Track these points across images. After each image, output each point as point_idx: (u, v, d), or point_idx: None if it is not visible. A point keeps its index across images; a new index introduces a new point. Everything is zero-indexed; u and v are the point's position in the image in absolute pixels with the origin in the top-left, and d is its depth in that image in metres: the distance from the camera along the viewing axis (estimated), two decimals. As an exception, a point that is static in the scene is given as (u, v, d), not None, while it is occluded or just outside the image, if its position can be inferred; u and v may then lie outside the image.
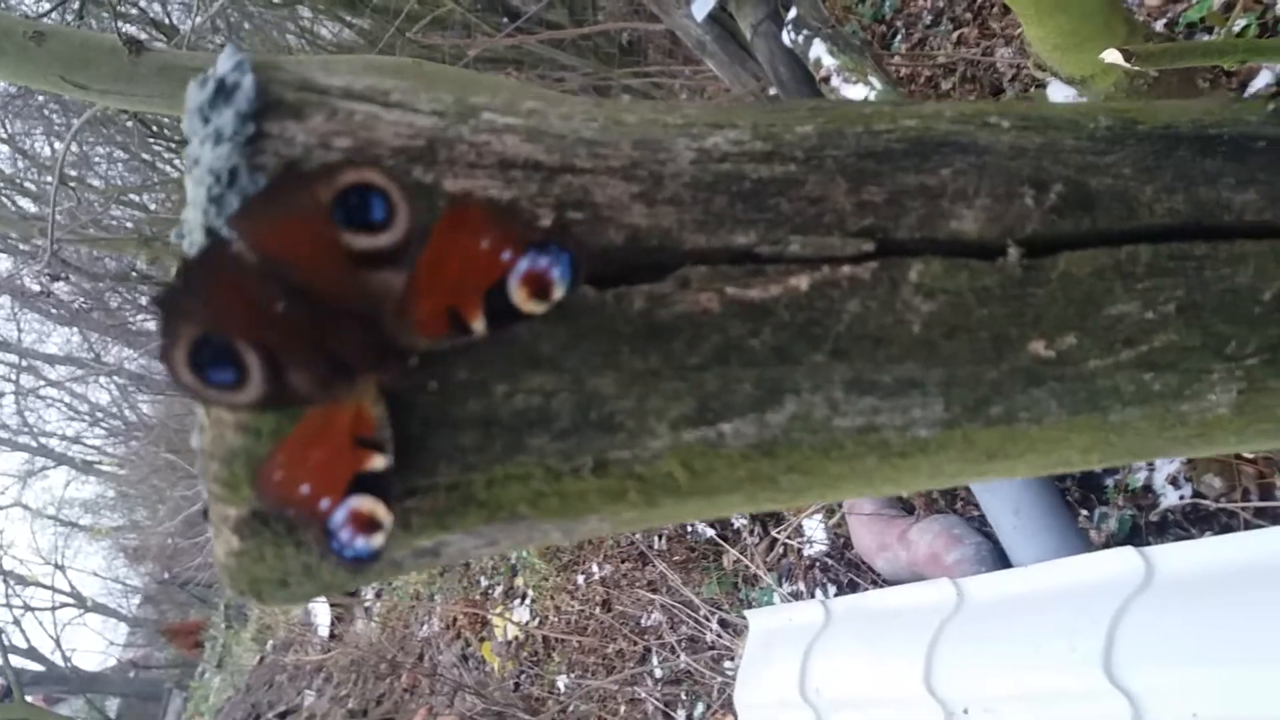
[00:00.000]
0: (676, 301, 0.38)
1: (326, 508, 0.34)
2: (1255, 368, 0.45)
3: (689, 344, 0.37)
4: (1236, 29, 2.15)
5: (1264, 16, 2.19)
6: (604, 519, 0.39)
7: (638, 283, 0.38)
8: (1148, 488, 2.11)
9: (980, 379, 0.41)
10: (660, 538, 5.69)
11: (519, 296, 0.33)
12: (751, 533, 4.73)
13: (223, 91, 0.35)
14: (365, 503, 0.34)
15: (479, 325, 0.34)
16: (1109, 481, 2.58)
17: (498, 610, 6.95)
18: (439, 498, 0.36)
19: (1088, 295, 0.42)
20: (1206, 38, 2.26)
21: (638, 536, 5.77)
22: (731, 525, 4.83)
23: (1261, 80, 2.09)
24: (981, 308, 0.41)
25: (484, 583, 7.66)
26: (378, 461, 0.34)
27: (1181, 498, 1.92)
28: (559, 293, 0.33)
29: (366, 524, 0.34)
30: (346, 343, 0.34)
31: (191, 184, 0.35)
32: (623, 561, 6.13)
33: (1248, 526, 1.70)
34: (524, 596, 6.94)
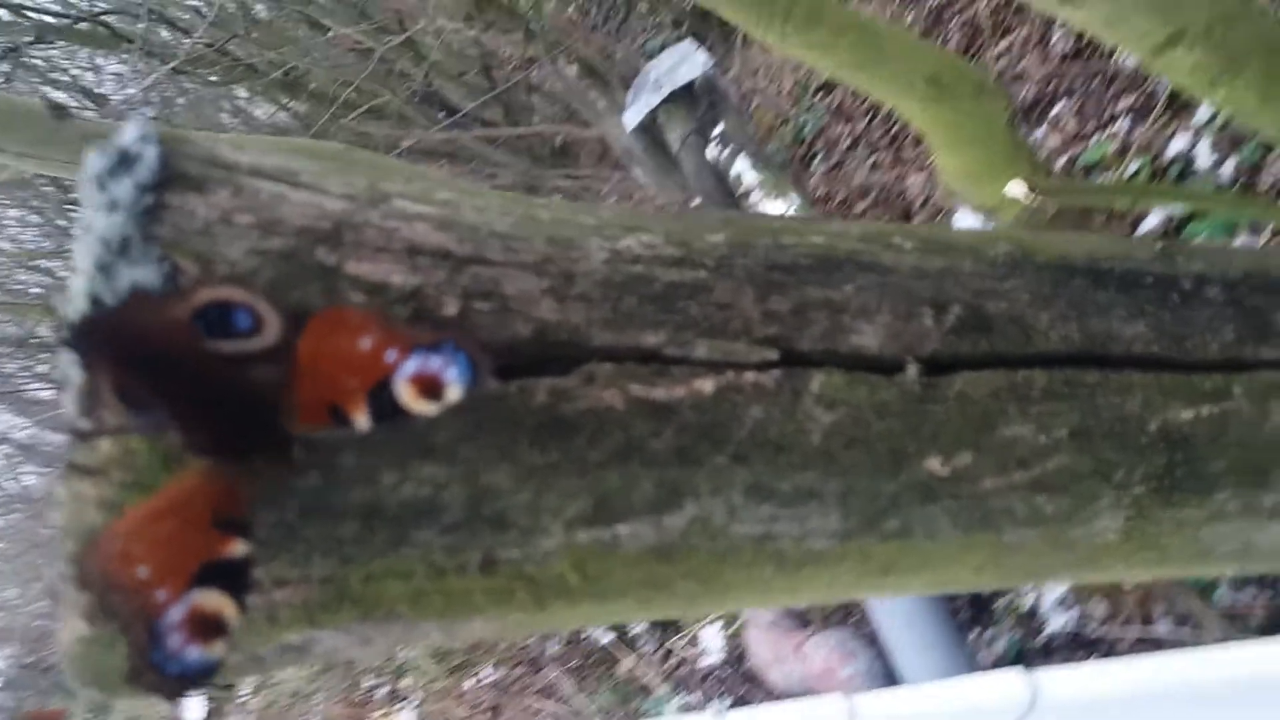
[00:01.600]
0: (580, 397, 0.37)
1: (163, 600, 0.30)
2: (1142, 496, 0.46)
3: (590, 440, 0.37)
4: (1129, 172, 2.29)
5: (1155, 162, 2.33)
6: (489, 621, 0.38)
7: (543, 376, 0.37)
8: (1034, 611, 2.15)
9: (877, 493, 0.41)
10: (556, 641, 5.56)
11: (406, 396, 0.32)
12: (649, 640, 4.66)
13: (124, 161, 0.34)
14: (211, 599, 0.30)
15: (362, 421, 0.32)
16: (998, 603, 2.62)
17: (381, 713, 6.66)
18: (311, 591, 0.35)
19: (984, 416, 0.43)
20: (1102, 178, 2.40)
21: (531, 640, 5.63)
22: (628, 631, 4.75)
23: (1152, 220, 2.21)
24: (880, 421, 0.41)
25: (368, 683, 7.36)
26: (237, 548, 0.31)
27: (1066, 623, 1.96)
28: (454, 394, 0.32)
29: (207, 628, 0.30)
30: (225, 424, 0.32)
31: (81, 251, 0.34)
32: (515, 665, 5.96)
33: (1131, 651, 1.73)
34: (410, 699, 6.67)
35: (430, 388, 0.32)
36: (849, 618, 3.60)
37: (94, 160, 0.35)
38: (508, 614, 0.38)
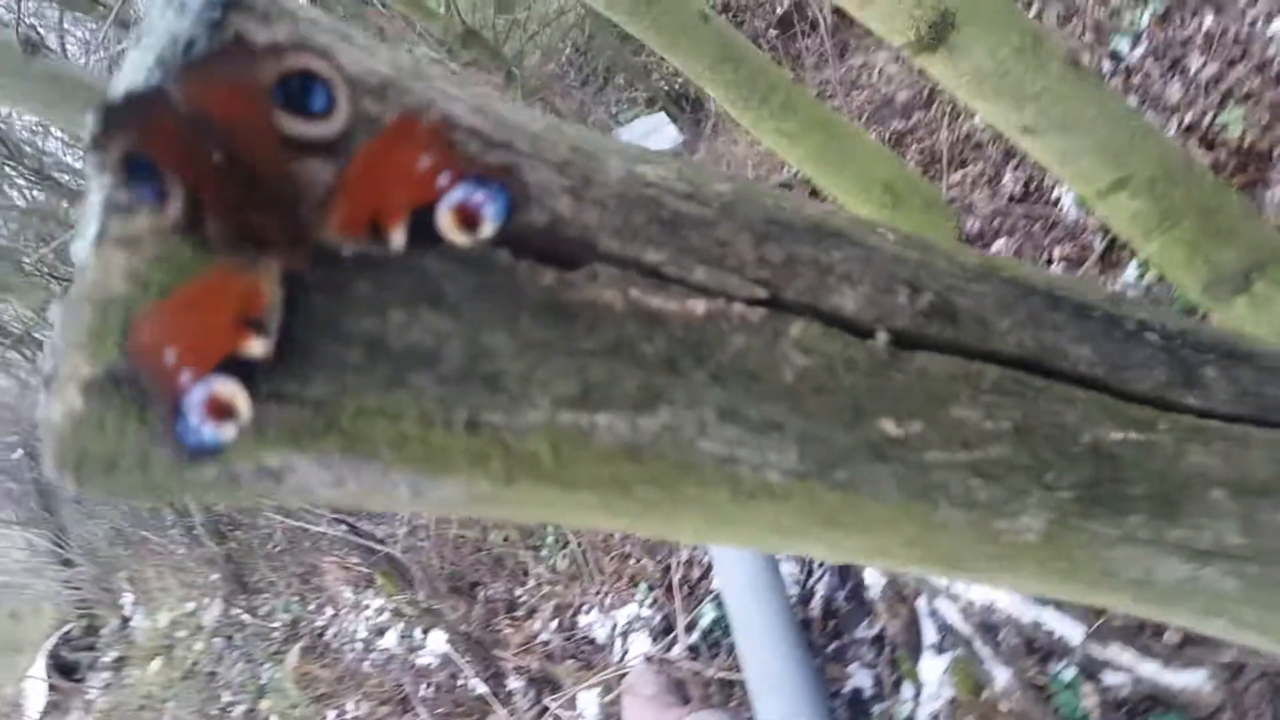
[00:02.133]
0: (583, 289, 0.39)
1: (186, 381, 0.32)
2: (1067, 501, 0.50)
3: (587, 329, 0.39)
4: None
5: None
6: (458, 484, 0.39)
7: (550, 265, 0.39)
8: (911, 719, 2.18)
9: (834, 441, 0.44)
10: (428, 684, 5.41)
11: (445, 223, 0.34)
12: (525, 694, 4.56)
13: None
14: (228, 387, 0.32)
15: (398, 240, 0.34)
16: (875, 709, 2.65)
17: (238, 729, 6.38)
18: (304, 413, 0.36)
19: (938, 393, 0.46)
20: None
21: (406, 679, 5.46)
22: (504, 683, 4.64)
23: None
24: (847, 375, 0.44)
25: (226, 698, 7.05)
26: (256, 347, 0.33)
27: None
28: (487, 230, 0.34)
29: (222, 411, 0.32)
30: (263, 218, 0.34)
31: (139, 50, 0.35)
32: (382, 703, 5.78)
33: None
34: (266, 723, 6.40)
35: (469, 220, 0.34)
36: (729, 700, 3.59)
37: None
38: (478, 481, 0.39)
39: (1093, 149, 2.02)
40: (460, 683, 5.29)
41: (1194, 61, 3.99)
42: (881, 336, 0.45)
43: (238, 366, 0.33)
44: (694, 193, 0.44)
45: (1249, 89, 3.54)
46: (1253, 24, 3.80)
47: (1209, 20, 4.05)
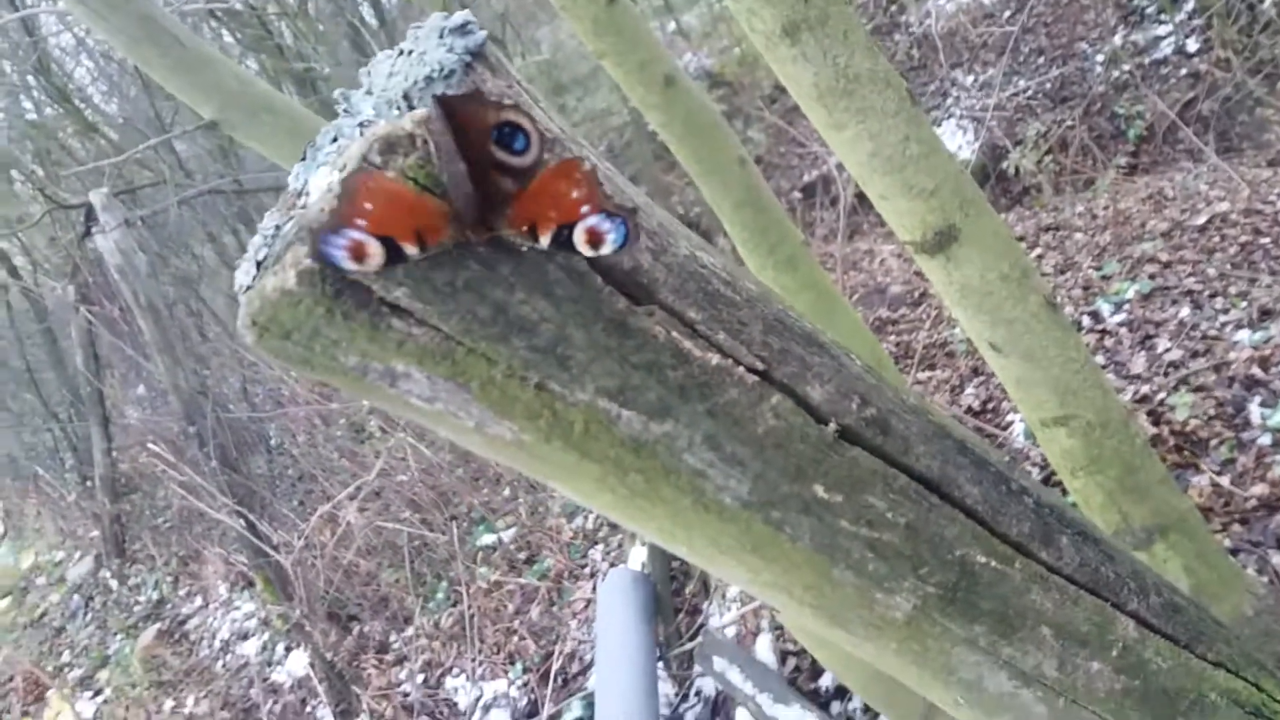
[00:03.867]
0: (641, 319, 0.55)
1: (358, 226, 0.46)
2: (931, 595, 0.65)
3: (635, 347, 0.54)
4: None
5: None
6: (510, 429, 0.54)
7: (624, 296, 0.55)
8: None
9: (777, 486, 0.59)
10: (276, 701, 5.30)
11: (579, 238, 0.49)
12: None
13: (464, 29, 0.52)
14: (375, 248, 0.46)
15: (544, 242, 0.49)
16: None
17: (61, 691, 6.16)
18: (435, 339, 0.50)
19: (860, 479, 0.62)
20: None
21: (255, 691, 5.35)
22: (356, 721, 4.58)
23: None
24: (801, 444, 0.60)
25: (66, 658, 6.83)
26: (410, 250, 0.47)
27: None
28: (606, 250, 0.50)
29: (359, 254, 0.46)
30: (469, 197, 0.49)
31: (409, 64, 0.51)
32: (224, 707, 5.64)
33: None
34: (99, 693, 6.21)
35: (595, 240, 0.49)
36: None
37: (438, 18, 0.52)
38: (526, 430, 0.53)
39: (1047, 382, 2.23)
40: (309, 709, 5.21)
41: (1162, 343, 4.31)
42: (832, 426, 0.61)
43: (393, 248, 0.47)
44: (732, 282, 0.60)
45: (1203, 382, 3.83)
46: (1223, 327, 4.13)
47: (1185, 312, 4.39)
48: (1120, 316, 4.63)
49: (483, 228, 0.49)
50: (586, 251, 0.50)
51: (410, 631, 5.32)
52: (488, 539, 5.68)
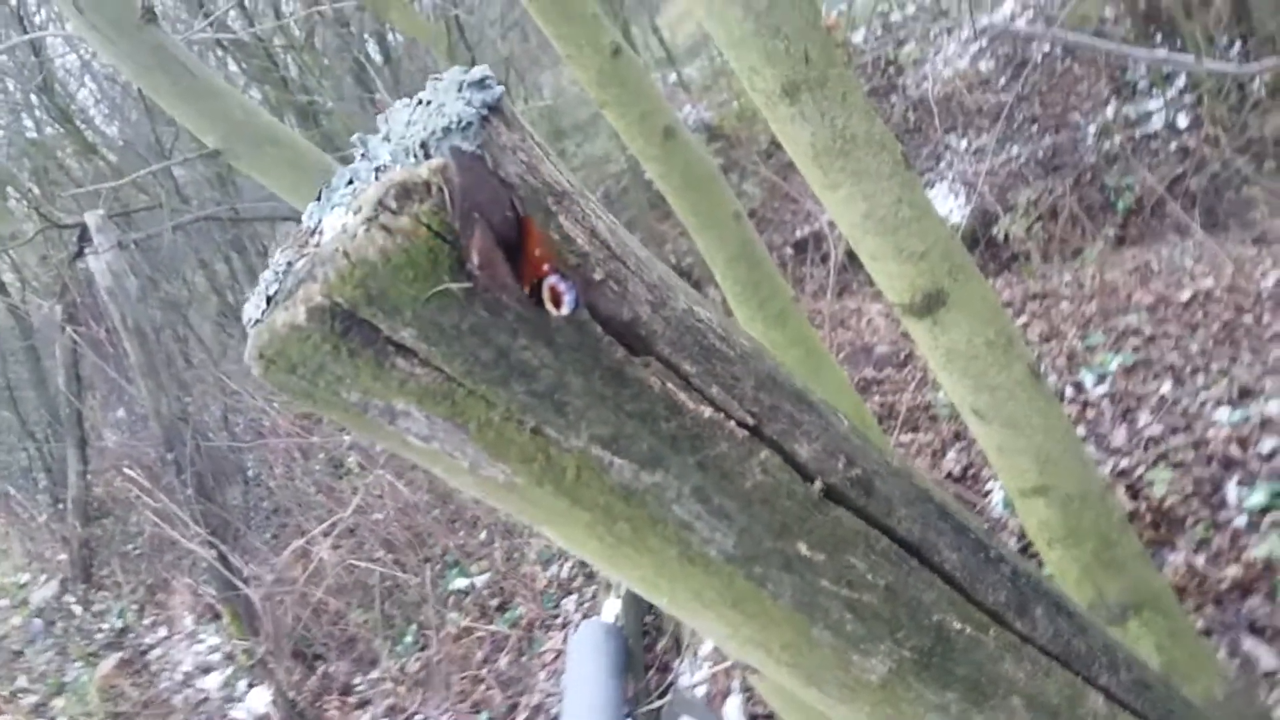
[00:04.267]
0: (638, 369, 0.56)
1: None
2: (906, 659, 0.65)
3: (631, 396, 0.55)
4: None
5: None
6: (504, 472, 0.55)
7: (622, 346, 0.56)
8: None
9: (762, 542, 0.60)
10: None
11: (544, 295, 0.51)
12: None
13: (483, 84, 0.54)
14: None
15: (522, 294, 0.52)
16: None
17: (18, 718, 6.03)
18: (435, 380, 0.51)
19: (843, 539, 0.63)
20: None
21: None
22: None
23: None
24: (787, 501, 0.61)
25: (22, 683, 6.69)
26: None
27: None
28: (564, 310, 0.52)
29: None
30: (489, 250, 0.50)
31: (427, 114, 0.53)
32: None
33: None
34: None
35: (555, 298, 0.51)
36: None
37: (458, 72, 0.54)
38: (519, 473, 0.54)
39: (1028, 451, 2.25)
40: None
41: (1143, 417, 4.35)
42: (817, 485, 0.62)
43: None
44: (727, 337, 0.62)
45: (1182, 459, 3.87)
46: (1203, 404, 4.18)
47: (1166, 387, 4.44)
48: (1103, 388, 4.68)
49: (484, 269, 0.51)
50: (552, 309, 0.52)
51: (376, 674, 5.25)
52: (461, 583, 5.63)
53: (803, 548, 0.61)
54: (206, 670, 6.10)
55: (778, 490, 0.60)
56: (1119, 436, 4.34)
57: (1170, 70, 7.20)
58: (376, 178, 0.53)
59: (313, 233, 0.54)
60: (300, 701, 5.09)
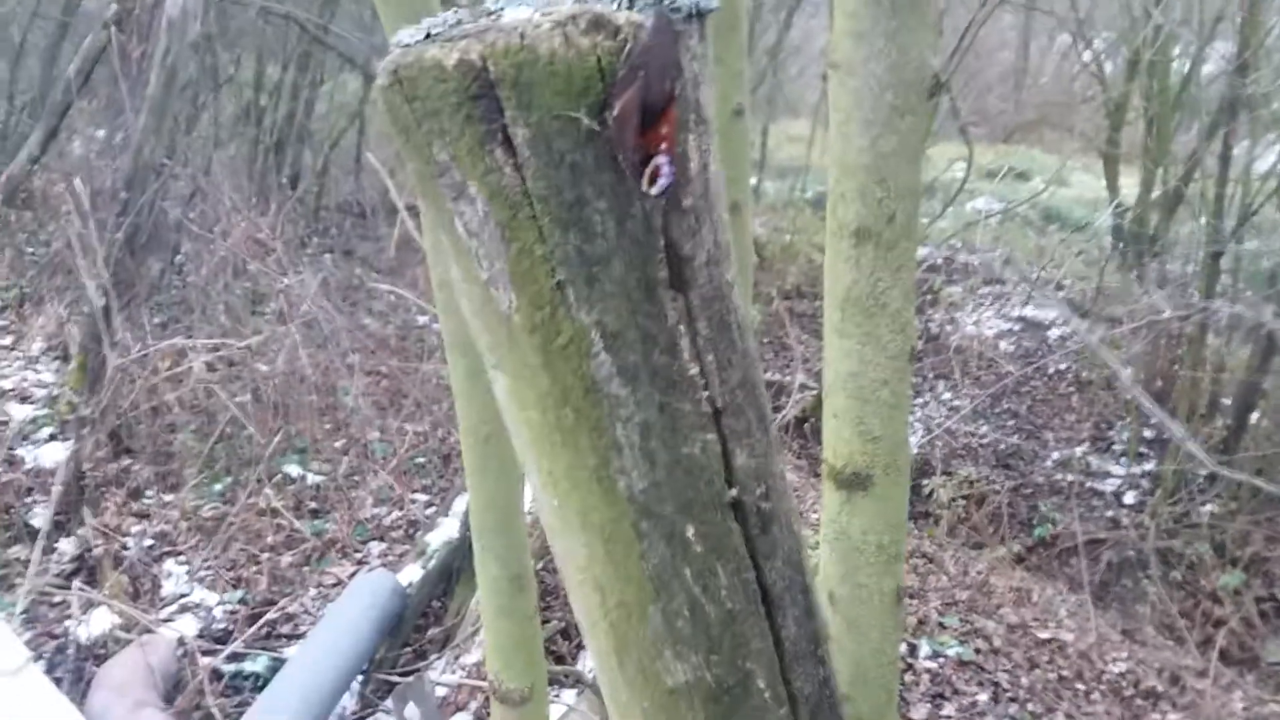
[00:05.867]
0: (667, 296, 0.60)
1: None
2: (705, 683, 0.69)
3: (648, 313, 0.59)
4: None
5: None
6: (508, 304, 0.58)
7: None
8: None
9: (665, 501, 0.64)
10: None
11: (648, 167, 0.56)
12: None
13: None
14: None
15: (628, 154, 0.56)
16: None
17: None
18: (514, 185, 0.55)
19: (723, 548, 0.67)
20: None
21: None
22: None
23: None
24: (704, 486, 0.65)
25: None
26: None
27: None
28: (658, 186, 0.56)
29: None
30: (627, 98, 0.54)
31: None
32: (-41, 444, 5.31)
33: None
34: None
35: (654, 174, 0.55)
36: None
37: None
38: (520, 312, 0.58)
39: (853, 657, 2.30)
40: (29, 500, 4.94)
41: (947, 710, 4.46)
42: (733, 493, 0.66)
43: None
44: (743, 329, 0.66)
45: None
46: (1002, 727, 4.29)
47: (983, 697, 4.56)
48: (930, 664, 4.79)
49: (617, 121, 0.55)
50: (645, 186, 0.56)
51: (170, 498, 5.11)
52: (293, 470, 5.53)
53: (690, 532, 0.65)
54: (23, 398, 5.89)
55: (703, 472, 0.64)
56: (918, 712, 4.44)
57: (1143, 454, 7.52)
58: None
59: (490, 13, 0.58)
60: (88, 479, 4.93)
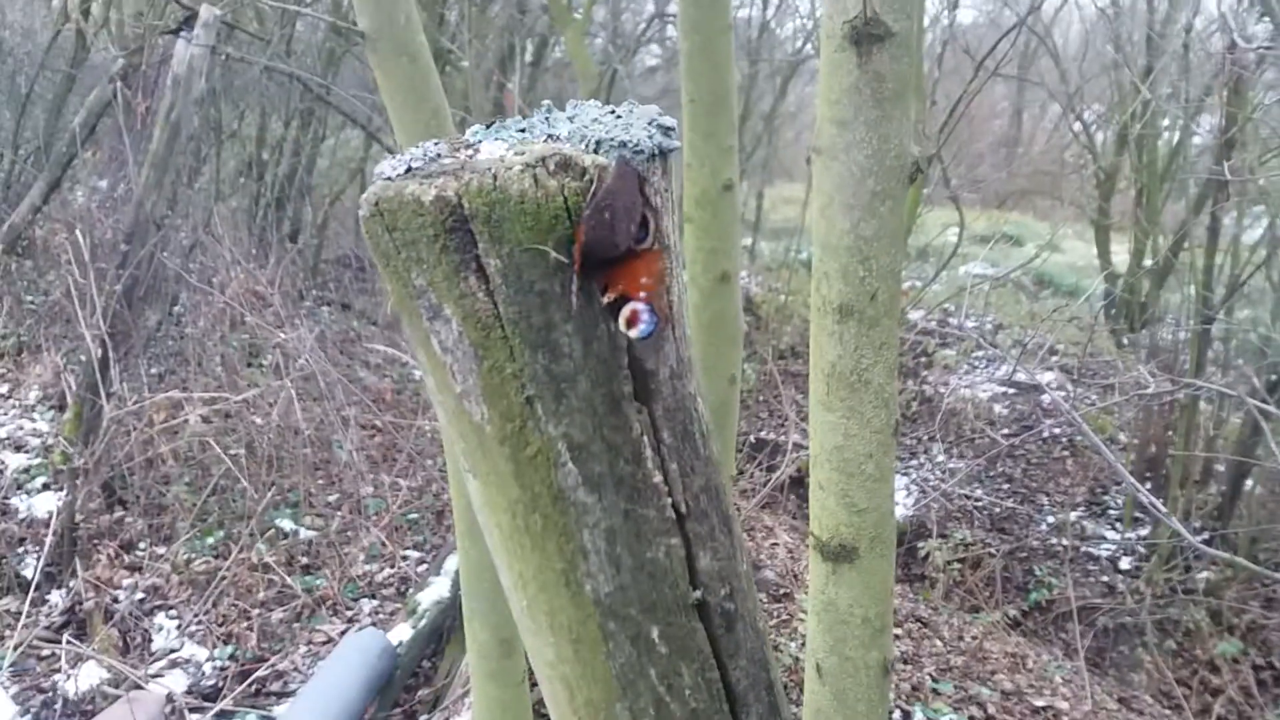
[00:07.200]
0: (632, 409, 0.63)
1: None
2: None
3: (614, 426, 0.62)
4: None
5: None
6: (480, 415, 0.61)
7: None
8: None
9: (630, 605, 0.66)
10: None
11: (624, 312, 0.59)
12: None
13: (668, 130, 0.62)
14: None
15: (605, 300, 0.59)
16: None
17: None
18: (487, 310, 0.58)
19: (688, 649, 0.69)
20: None
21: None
22: None
23: None
24: (668, 588, 0.67)
25: None
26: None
27: None
28: (634, 334, 0.59)
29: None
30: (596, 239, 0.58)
31: (614, 124, 0.61)
32: (-50, 495, 5.30)
33: None
34: None
35: (631, 320, 0.59)
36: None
37: (659, 112, 0.63)
38: (491, 425, 0.61)
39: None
40: (22, 550, 4.93)
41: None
42: (697, 594, 0.69)
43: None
44: (705, 437, 0.69)
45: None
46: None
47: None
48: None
49: (585, 266, 0.58)
50: (623, 327, 0.59)
51: (162, 551, 5.10)
52: (286, 524, 5.52)
53: (655, 633, 0.67)
54: (18, 447, 5.90)
55: (666, 575, 0.67)
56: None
57: (1138, 519, 7.51)
58: (547, 141, 0.61)
59: (468, 146, 0.62)
60: (81, 530, 4.92)
